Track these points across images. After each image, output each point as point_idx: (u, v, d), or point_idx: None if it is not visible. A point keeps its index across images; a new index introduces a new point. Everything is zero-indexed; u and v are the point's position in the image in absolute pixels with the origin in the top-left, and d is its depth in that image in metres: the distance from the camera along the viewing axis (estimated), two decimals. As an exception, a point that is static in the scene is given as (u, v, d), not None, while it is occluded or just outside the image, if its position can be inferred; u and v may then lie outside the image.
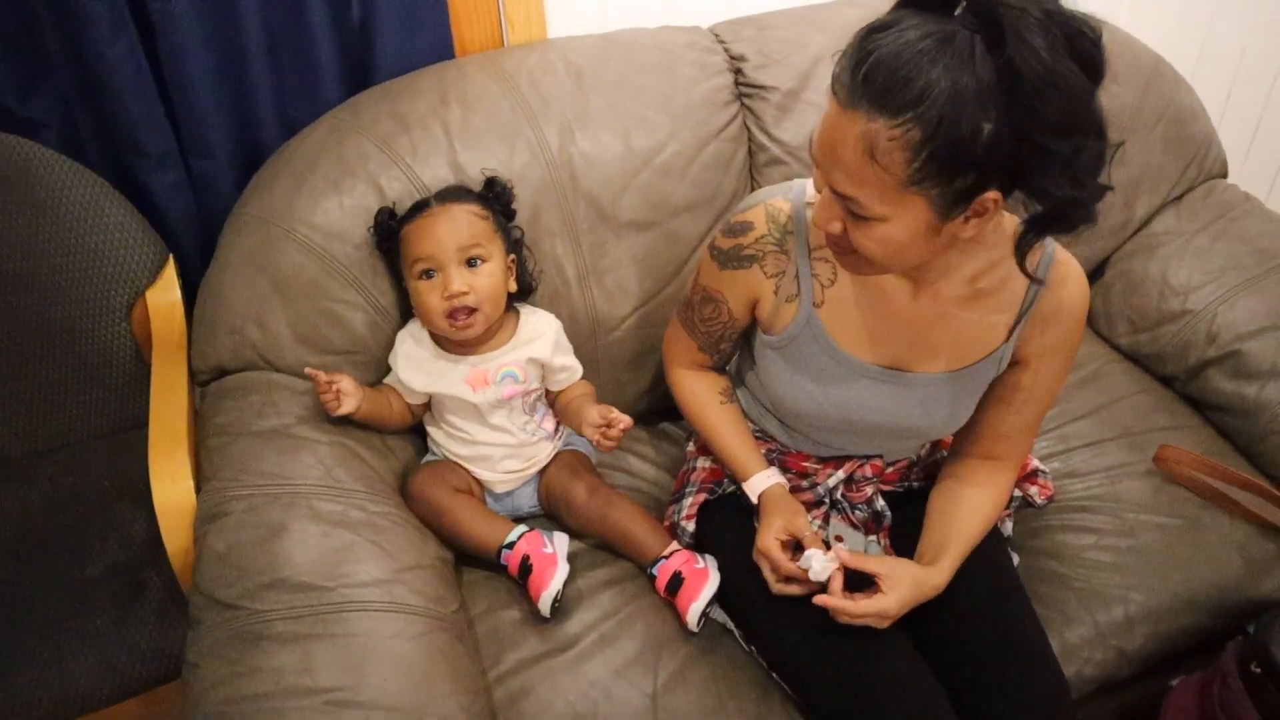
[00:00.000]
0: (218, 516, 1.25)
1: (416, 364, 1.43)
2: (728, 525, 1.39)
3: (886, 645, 1.22)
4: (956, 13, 0.93)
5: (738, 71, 1.63)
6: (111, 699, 1.34)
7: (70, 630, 1.34)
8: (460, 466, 1.47)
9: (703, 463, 1.47)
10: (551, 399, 1.51)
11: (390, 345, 1.47)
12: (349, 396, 1.37)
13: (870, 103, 0.93)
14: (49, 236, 1.50)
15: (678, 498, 1.48)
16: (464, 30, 1.64)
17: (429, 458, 1.51)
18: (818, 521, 1.38)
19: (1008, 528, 1.44)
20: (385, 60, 1.56)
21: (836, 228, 1.06)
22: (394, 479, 1.43)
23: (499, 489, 1.49)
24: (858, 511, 1.40)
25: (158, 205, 1.57)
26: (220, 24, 1.46)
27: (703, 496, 1.43)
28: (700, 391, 1.42)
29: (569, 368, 1.48)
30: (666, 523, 1.47)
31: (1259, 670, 1.37)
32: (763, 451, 1.40)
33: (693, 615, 1.31)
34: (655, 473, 1.62)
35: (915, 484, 1.44)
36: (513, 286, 1.43)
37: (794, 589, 1.24)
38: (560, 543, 1.38)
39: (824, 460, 1.40)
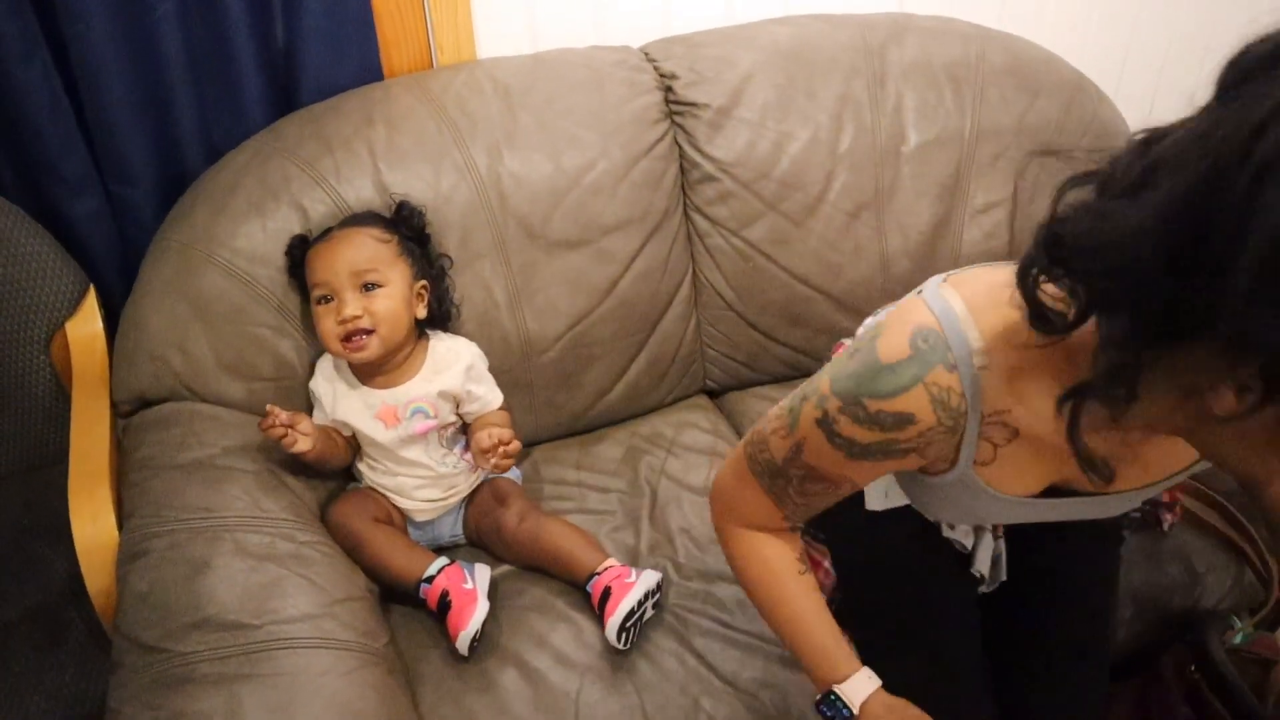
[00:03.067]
0: (139, 555, 1.21)
1: (333, 395, 1.41)
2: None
3: (964, 647, 1.22)
4: None
5: (668, 89, 1.62)
6: (33, 746, 1.29)
7: (-15, 677, 1.29)
8: (381, 495, 1.44)
9: None
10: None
11: (316, 371, 1.45)
12: (306, 436, 1.34)
13: None
14: (-39, 268, 1.45)
15: None
16: (392, 53, 1.61)
17: (352, 485, 1.48)
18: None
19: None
20: (311, 84, 1.54)
21: None
22: (319, 508, 1.40)
23: (419, 518, 1.47)
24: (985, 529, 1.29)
25: (78, 234, 1.53)
26: (140, 47, 1.42)
27: None
28: (773, 559, 1.11)
29: (481, 398, 1.45)
30: None
31: (1196, 675, 1.38)
32: None
33: (610, 629, 1.30)
34: (597, 479, 1.61)
35: None
36: (420, 313, 1.41)
37: None
38: (481, 576, 1.36)
39: None
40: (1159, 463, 1.02)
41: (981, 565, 1.30)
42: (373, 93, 1.53)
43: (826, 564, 1.33)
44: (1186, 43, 2.16)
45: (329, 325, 1.35)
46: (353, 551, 1.36)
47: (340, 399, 1.41)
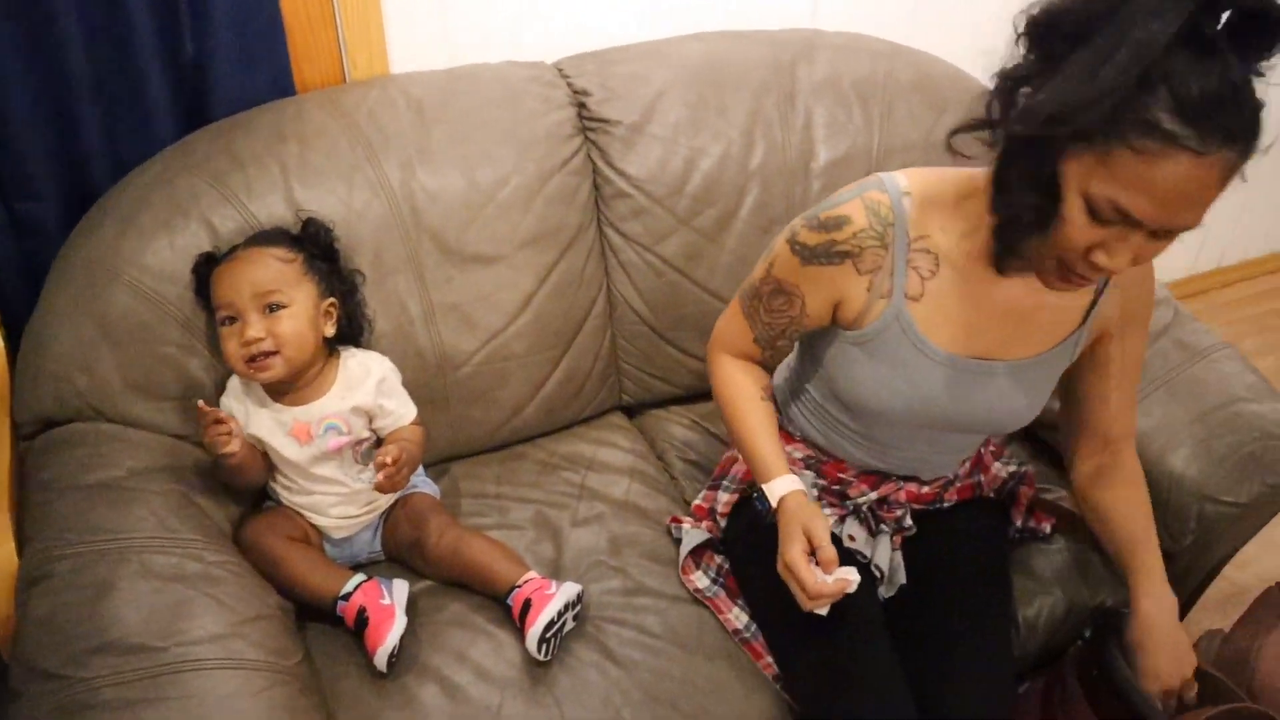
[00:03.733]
0: (40, 579, 1.18)
1: (245, 414, 1.39)
2: (756, 522, 1.38)
3: (870, 641, 1.31)
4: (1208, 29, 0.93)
5: (581, 105, 1.64)
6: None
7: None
8: (296, 514, 1.43)
9: None
10: None
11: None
12: (235, 438, 1.32)
13: (1229, 139, 0.93)
14: None
15: (715, 484, 1.51)
16: (304, 67, 1.61)
17: (267, 504, 1.46)
18: (833, 518, 1.40)
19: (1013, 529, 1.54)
20: (222, 98, 1.52)
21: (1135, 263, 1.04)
22: (231, 527, 1.38)
23: (336, 535, 1.46)
24: (883, 525, 1.43)
25: (-22, 253, 1.49)
26: (42, 61, 1.39)
27: (737, 497, 1.47)
28: (743, 382, 1.37)
29: (393, 412, 1.44)
30: (705, 504, 1.50)
31: (1096, 674, 1.43)
32: (800, 456, 1.43)
33: (530, 640, 1.31)
34: (517, 493, 1.61)
35: (946, 504, 1.48)
36: (328, 331, 1.40)
37: (823, 605, 1.22)
38: (399, 591, 1.36)
39: (862, 474, 1.42)
40: (1047, 332, 1.26)
41: (880, 561, 1.36)
42: (284, 108, 1.52)
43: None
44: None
45: (233, 347, 1.33)
46: (267, 570, 1.34)
47: (252, 417, 1.39)
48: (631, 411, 1.84)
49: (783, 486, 1.28)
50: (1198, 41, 0.92)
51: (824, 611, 1.22)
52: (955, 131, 1.15)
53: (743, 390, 1.37)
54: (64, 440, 1.35)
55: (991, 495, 1.53)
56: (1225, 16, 0.92)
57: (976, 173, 1.17)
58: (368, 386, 1.41)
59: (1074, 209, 1.00)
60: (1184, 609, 1.82)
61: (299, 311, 1.35)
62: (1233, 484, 1.54)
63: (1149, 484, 1.55)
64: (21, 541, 1.26)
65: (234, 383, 1.42)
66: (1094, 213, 0.99)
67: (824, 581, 1.20)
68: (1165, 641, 1.36)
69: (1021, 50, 1.03)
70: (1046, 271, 1.10)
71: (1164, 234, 1.01)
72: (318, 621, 1.37)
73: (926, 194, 1.20)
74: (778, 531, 1.25)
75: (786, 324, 1.30)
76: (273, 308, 1.33)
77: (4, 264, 1.51)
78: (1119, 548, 1.43)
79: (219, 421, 1.30)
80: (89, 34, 1.40)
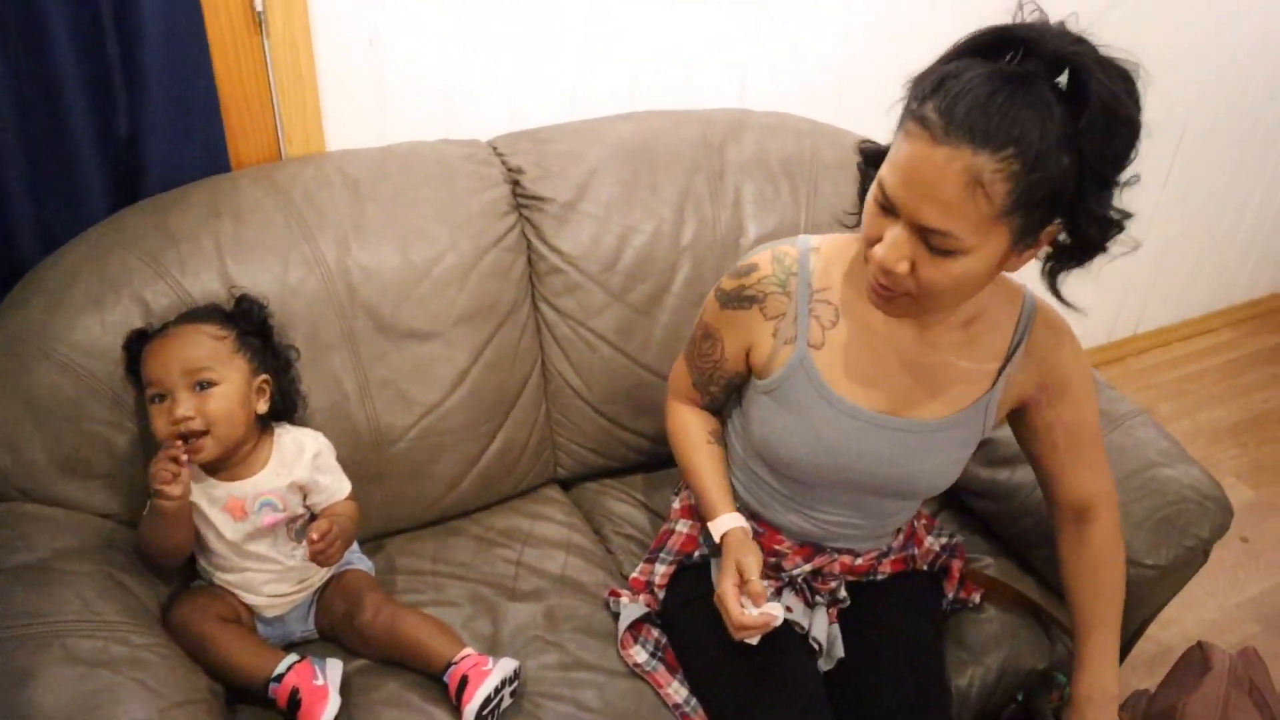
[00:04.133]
0: (-43, 666, 1.15)
1: None
2: (693, 593, 1.44)
3: (811, 714, 1.33)
4: (1012, 59, 1.04)
5: (515, 183, 1.67)
6: None
7: None
8: (227, 592, 1.41)
9: (682, 527, 1.53)
10: None
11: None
12: (183, 483, 1.28)
13: (972, 138, 0.99)
14: None
15: (652, 557, 1.54)
16: (239, 144, 1.62)
17: (196, 583, 1.44)
18: (770, 589, 1.42)
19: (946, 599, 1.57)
20: (155, 174, 1.52)
21: (904, 267, 1.09)
22: (159, 609, 1.35)
23: (269, 613, 1.43)
24: (818, 597, 1.45)
25: (-100, 325, 1.46)
26: (-32, 133, 1.39)
27: (675, 567, 1.51)
28: (692, 426, 1.48)
29: (327, 488, 1.43)
30: (642, 577, 1.54)
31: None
32: None
33: (467, 716, 1.30)
34: (453, 570, 1.60)
35: (879, 577, 1.51)
36: (260, 408, 1.39)
37: (752, 636, 1.29)
38: (333, 671, 1.34)
39: (797, 546, 1.44)
40: (955, 396, 1.31)
41: (818, 633, 1.39)
42: (219, 184, 1.52)
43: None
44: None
45: (162, 424, 1.31)
46: (196, 652, 1.31)
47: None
48: (567, 485, 1.84)
49: (725, 524, 1.38)
50: (999, 64, 1.04)
51: (753, 641, 1.30)
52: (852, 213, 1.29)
53: (690, 433, 1.48)
54: (-14, 522, 1.32)
55: (925, 568, 1.56)
56: (1010, 56, 1.05)
57: None
58: (303, 462, 1.40)
59: (872, 196, 1.12)
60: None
61: (229, 390, 1.34)
62: (1152, 547, 1.59)
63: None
64: (-61, 627, 1.22)
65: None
66: (877, 198, 1.10)
67: (750, 614, 1.27)
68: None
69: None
70: (868, 285, 1.18)
71: (929, 242, 1.07)
72: (249, 704, 1.35)
73: (834, 251, 1.31)
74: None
75: (712, 368, 1.41)
76: (203, 385, 1.32)
77: (-74, 342, 1.48)
78: (1075, 628, 1.44)
79: (173, 463, 1.27)
80: (21, 107, 1.40)
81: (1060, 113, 1.00)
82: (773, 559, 1.45)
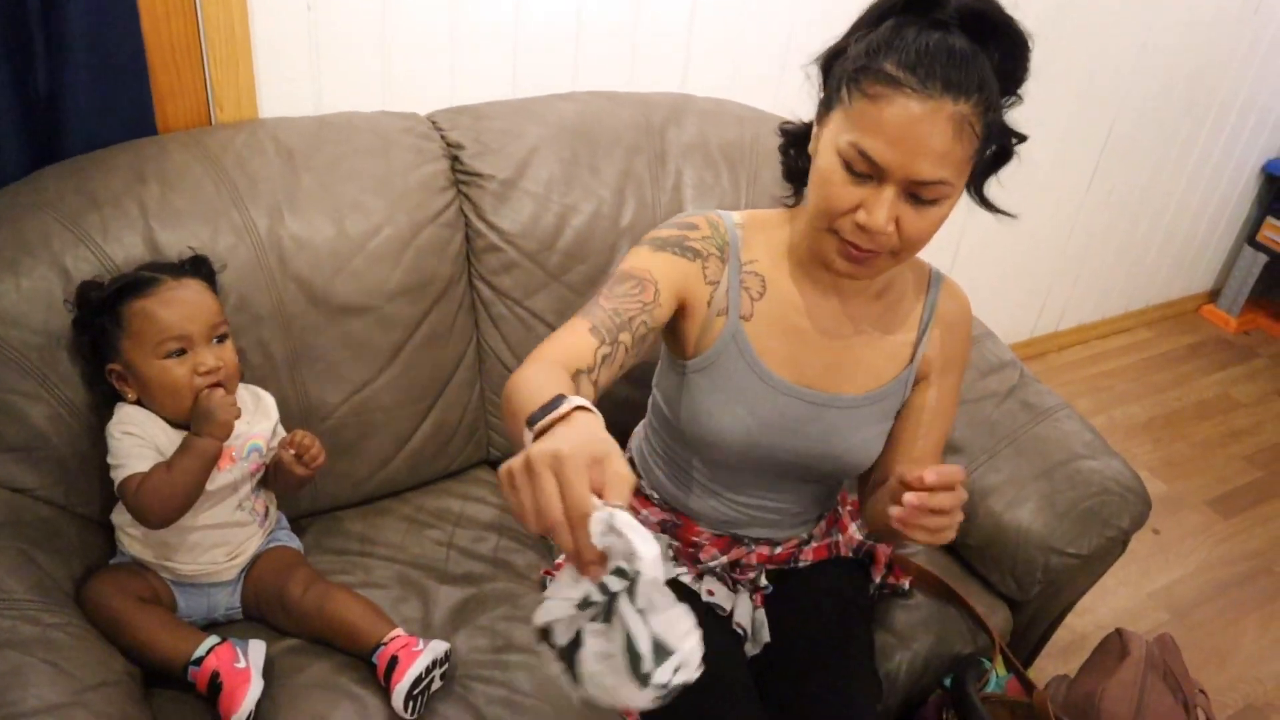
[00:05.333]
0: None
1: (151, 442, 1.31)
2: None
3: (739, 701, 1.30)
4: (940, 15, 1.10)
5: (455, 159, 1.64)
6: None
7: None
8: (145, 569, 1.36)
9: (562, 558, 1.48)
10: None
11: (75, 439, 1.35)
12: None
13: (950, 89, 1.05)
14: None
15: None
16: (167, 107, 1.56)
17: (116, 559, 1.39)
18: (689, 575, 1.41)
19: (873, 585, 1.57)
20: (76, 136, 1.46)
21: (892, 226, 1.12)
22: (74, 586, 1.30)
23: (206, 580, 1.39)
24: (739, 585, 1.45)
25: None
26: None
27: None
28: (545, 366, 1.03)
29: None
30: (559, 560, 1.52)
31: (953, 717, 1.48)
32: (656, 520, 1.45)
33: (397, 697, 1.27)
34: (382, 551, 1.57)
35: (802, 564, 1.50)
36: None
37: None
38: (255, 653, 1.30)
39: (714, 537, 1.43)
40: (877, 371, 1.34)
41: (741, 619, 1.39)
42: (145, 147, 1.46)
43: None
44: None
45: (183, 375, 1.29)
46: (112, 633, 1.27)
47: (165, 448, 1.32)
48: (498, 466, 1.81)
49: (576, 400, 0.89)
50: (927, 20, 1.10)
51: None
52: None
53: (547, 374, 1.00)
54: (-113, 497, 1.26)
55: (850, 555, 1.57)
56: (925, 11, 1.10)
57: (790, 207, 1.34)
58: (267, 409, 1.43)
59: (830, 164, 1.12)
60: (1030, 656, 1.90)
61: (231, 343, 1.36)
62: (1075, 536, 1.63)
63: (998, 538, 1.63)
64: None
65: (125, 421, 1.32)
66: (848, 167, 1.11)
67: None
68: None
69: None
70: (830, 253, 1.19)
71: (917, 195, 1.11)
72: (167, 687, 1.30)
73: (754, 223, 1.33)
74: None
75: (637, 310, 1.15)
76: (220, 338, 1.34)
77: None
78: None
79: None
80: (-69, 61, 1.33)
81: (992, 57, 1.10)
82: (690, 549, 1.45)
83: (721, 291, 1.28)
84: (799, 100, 2.04)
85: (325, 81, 1.66)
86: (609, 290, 1.18)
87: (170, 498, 1.28)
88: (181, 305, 1.30)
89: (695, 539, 1.44)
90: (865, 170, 1.10)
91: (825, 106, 1.17)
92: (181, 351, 1.30)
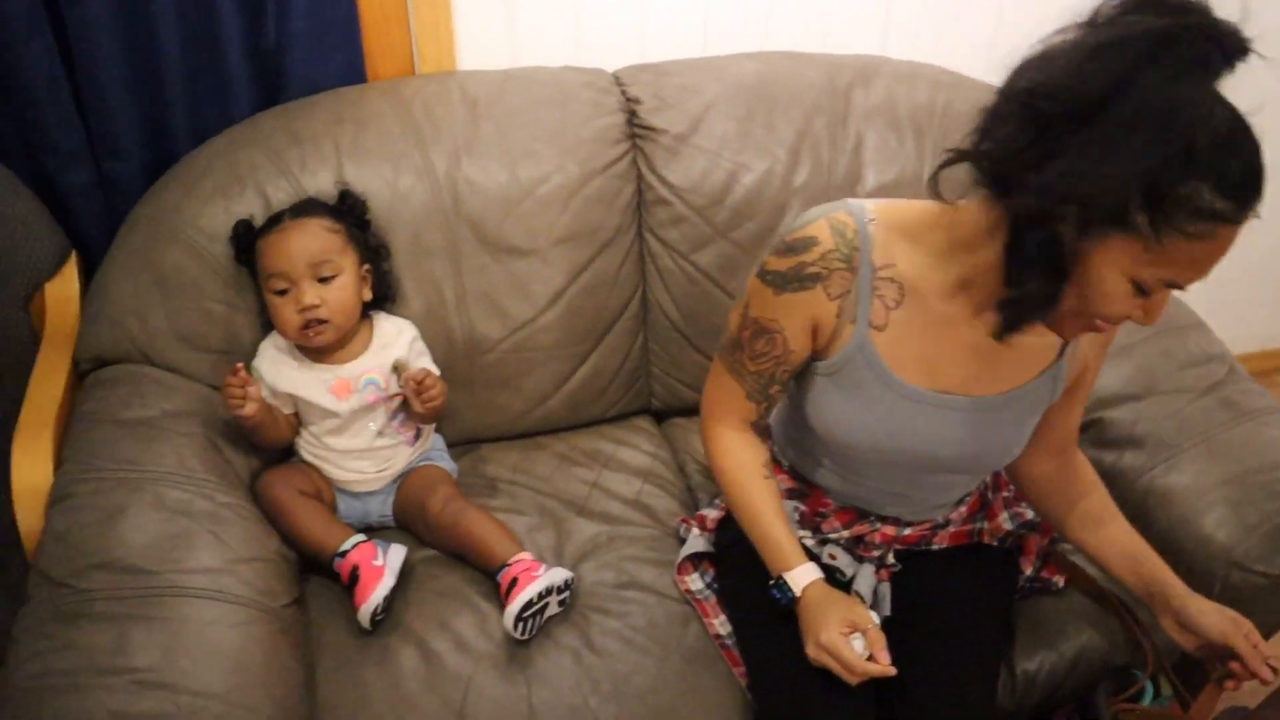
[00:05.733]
0: (64, 498, 1.29)
1: (279, 370, 1.48)
2: (739, 536, 1.38)
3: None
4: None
5: (631, 113, 1.69)
6: (-41, 674, 1.37)
7: (-77, 604, 1.38)
8: (313, 469, 1.52)
9: None
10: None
11: (262, 349, 1.53)
12: (253, 402, 1.41)
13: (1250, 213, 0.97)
14: (-47, 223, 1.55)
15: (711, 500, 1.56)
16: (376, 60, 1.71)
17: (291, 459, 1.55)
18: (812, 540, 1.41)
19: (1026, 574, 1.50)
20: (296, 83, 1.63)
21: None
22: (250, 476, 1.47)
23: (357, 489, 1.53)
24: (864, 559, 1.42)
25: (68, 203, 1.63)
26: (136, 34, 1.52)
27: (723, 513, 1.49)
28: (746, 461, 1.33)
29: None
30: (704, 512, 1.52)
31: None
32: (785, 487, 1.42)
33: (508, 616, 1.34)
34: (530, 481, 1.65)
35: (935, 547, 1.46)
36: (367, 295, 1.49)
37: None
38: (395, 556, 1.42)
39: (840, 509, 1.41)
40: (1019, 368, 1.24)
41: (861, 588, 1.35)
42: (347, 94, 1.62)
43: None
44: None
45: (289, 314, 1.42)
46: (275, 519, 1.43)
47: (291, 376, 1.48)
48: (660, 417, 1.87)
49: (807, 574, 1.27)
50: (1219, 106, 0.93)
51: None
52: (942, 167, 1.12)
53: (747, 468, 1.33)
54: (110, 379, 1.47)
55: (994, 544, 1.49)
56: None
57: (941, 206, 1.15)
58: (402, 343, 1.51)
59: (1117, 288, 1.00)
60: (1201, 682, 1.73)
61: (347, 281, 1.44)
62: (1267, 553, 1.46)
63: (1174, 541, 1.50)
64: (58, 465, 1.37)
65: (268, 346, 1.51)
66: (1141, 288, 1.01)
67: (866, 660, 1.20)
68: (1208, 605, 1.32)
69: (1008, 128, 1.01)
70: (1067, 329, 1.11)
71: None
72: (320, 575, 1.45)
73: (892, 222, 1.18)
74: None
75: (773, 367, 1.25)
76: (324, 278, 1.43)
77: (89, 217, 1.65)
78: (1123, 566, 1.38)
79: (240, 387, 1.39)
80: (180, 14, 1.53)
81: None
82: (815, 518, 1.43)
83: (850, 300, 1.19)
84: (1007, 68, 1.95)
85: (520, 39, 1.76)
86: (749, 347, 1.25)
87: (254, 440, 1.47)
88: (284, 245, 1.42)
89: (821, 509, 1.42)
90: (1160, 289, 1.02)
91: (1090, 217, 0.98)
92: (285, 290, 1.42)
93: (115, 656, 1.13)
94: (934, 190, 1.14)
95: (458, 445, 1.69)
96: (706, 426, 1.37)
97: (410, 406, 1.49)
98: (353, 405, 1.47)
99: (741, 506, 1.33)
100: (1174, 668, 1.49)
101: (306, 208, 1.47)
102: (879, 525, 1.41)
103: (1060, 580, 1.52)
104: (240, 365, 1.40)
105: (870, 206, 1.19)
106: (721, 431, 1.35)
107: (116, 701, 1.09)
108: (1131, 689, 1.44)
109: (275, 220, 1.46)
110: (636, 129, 1.69)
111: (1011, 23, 1.98)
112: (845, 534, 1.41)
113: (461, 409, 1.65)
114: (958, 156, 1.07)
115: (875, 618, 1.25)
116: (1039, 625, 1.50)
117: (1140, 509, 1.52)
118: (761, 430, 1.38)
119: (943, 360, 1.22)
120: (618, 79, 1.73)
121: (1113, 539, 1.39)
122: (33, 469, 1.36)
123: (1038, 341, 1.22)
